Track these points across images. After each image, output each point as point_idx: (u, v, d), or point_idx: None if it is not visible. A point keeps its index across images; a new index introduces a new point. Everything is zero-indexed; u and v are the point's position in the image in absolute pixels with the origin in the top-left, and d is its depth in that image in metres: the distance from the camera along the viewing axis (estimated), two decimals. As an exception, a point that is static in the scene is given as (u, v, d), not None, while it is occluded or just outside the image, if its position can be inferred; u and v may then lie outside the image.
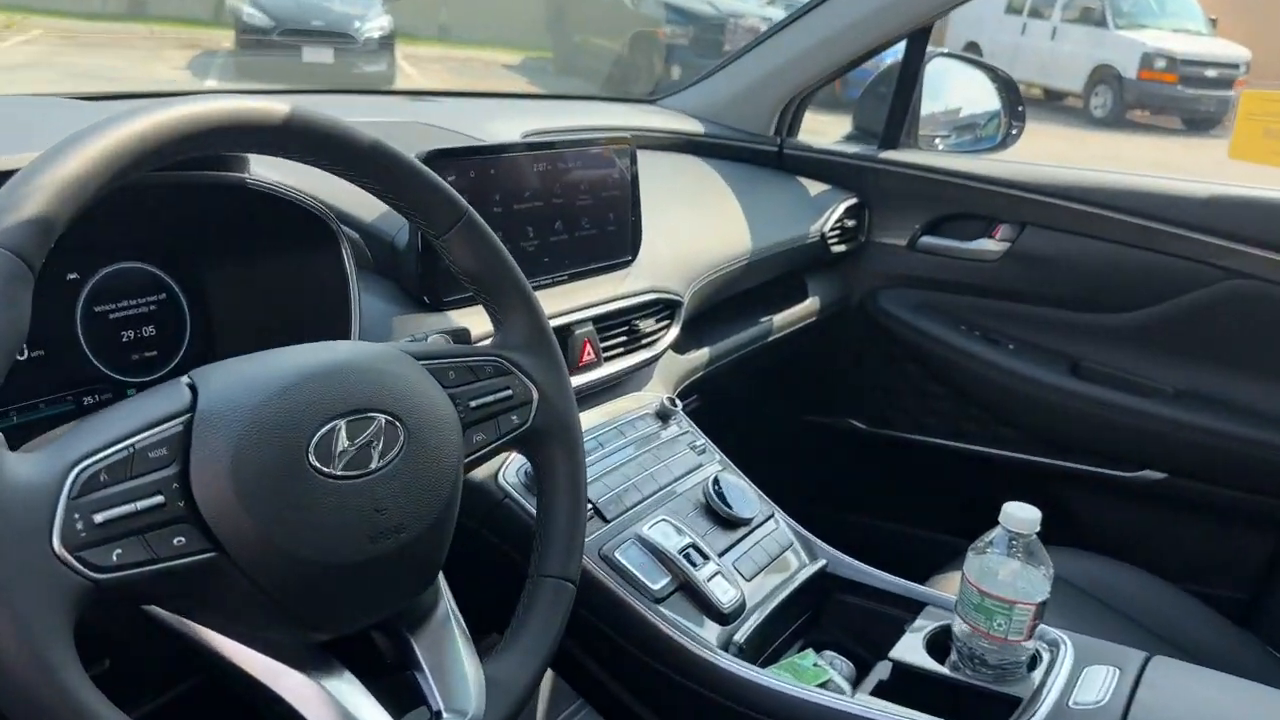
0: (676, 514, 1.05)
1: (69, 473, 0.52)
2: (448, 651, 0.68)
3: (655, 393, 1.23)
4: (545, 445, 0.79)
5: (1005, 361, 1.66)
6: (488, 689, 0.68)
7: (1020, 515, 0.90)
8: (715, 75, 1.81)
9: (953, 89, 1.88)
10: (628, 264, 1.21)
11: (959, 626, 0.93)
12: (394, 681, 0.66)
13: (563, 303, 1.09)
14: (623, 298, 1.17)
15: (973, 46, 11.09)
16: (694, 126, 1.71)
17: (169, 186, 0.80)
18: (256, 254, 0.91)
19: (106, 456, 0.53)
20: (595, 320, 1.14)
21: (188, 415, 0.57)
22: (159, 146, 0.58)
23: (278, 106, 0.64)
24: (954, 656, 0.94)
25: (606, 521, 1.01)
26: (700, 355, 1.40)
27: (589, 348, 1.12)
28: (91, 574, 0.51)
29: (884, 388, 1.79)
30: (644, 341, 1.21)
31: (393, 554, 0.63)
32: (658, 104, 1.82)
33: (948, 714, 0.86)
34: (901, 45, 1.65)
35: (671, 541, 1.00)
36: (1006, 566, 0.90)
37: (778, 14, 9.62)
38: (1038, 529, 0.90)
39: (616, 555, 0.98)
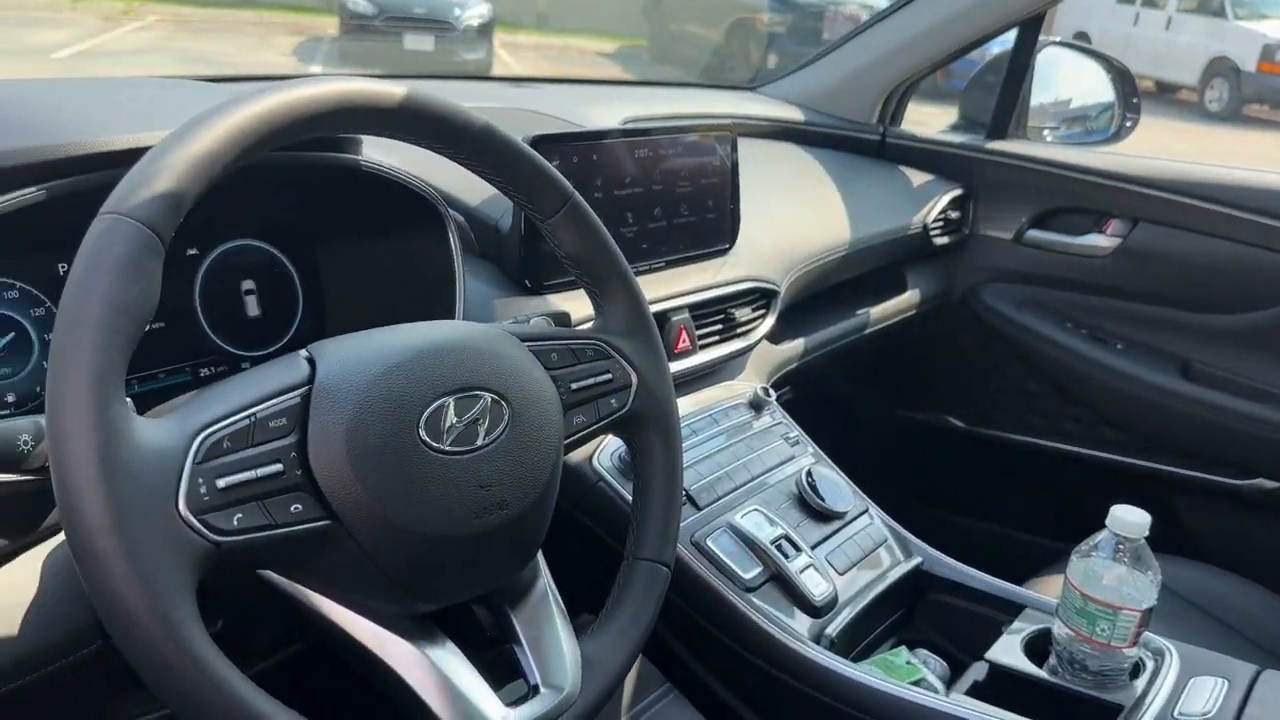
0: (769, 504, 1.04)
1: (194, 439, 0.54)
2: (546, 628, 0.69)
3: (749, 382, 1.23)
4: (643, 430, 0.79)
5: (1113, 361, 1.60)
6: (583, 667, 0.69)
7: (1129, 519, 0.87)
8: (817, 63, 1.78)
9: (1064, 79, 1.82)
10: (725, 252, 1.20)
11: (1060, 630, 0.91)
12: (493, 655, 0.67)
13: (660, 289, 1.09)
14: (719, 286, 1.17)
15: (1082, 36, 10.71)
16: (794, 114, 1.69)
17: (286, 167, 0.82)
18: (366, 234, 0.93)
19: (229, 424, 0.55)
20: (692, 308, 1.13)
21: (306, 388, 0.59)
22: (282, 126, 0.59)
23: (394, 89, 0.66)
24: (1053, 661, 0.92)
25: (699, 509, 1.01)
26: (795, 346, 1.39)
27: (685, 335, 1.12)
28: (214, 536, 0.53)
29: (984, 385, 1.75)
30: (739, 330, 1.20)
31: (496, 529, 0.64)
32: (757, 91, 1.81)
33: (1045, 719, 0.84)
34: (1011, 34, 1.61)
35: (764, 532, 1.00)
36: (1112, 571, 0.88)
37: (879, 2, 9.47)
38: (1146, 533, 0.87)
39: (708, 543, 0.98)
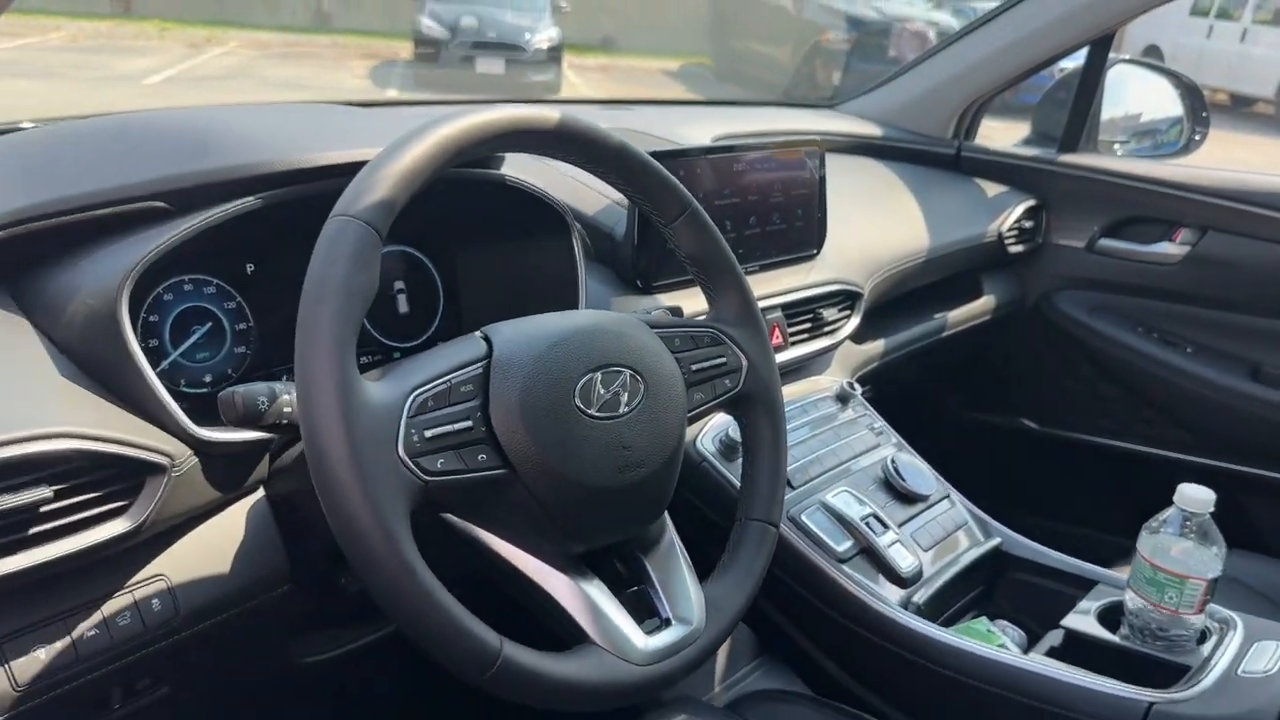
0: (857, 486, 1.14)
1: (407, 397, 0.66)
2: (674, 572, 0.80)
3: (834, 378, 1.33)
4: (752, 407, 0.89)
5: (1183, 364, 1.67)
6: (707, 607, 0.79)
7: (1195, 495, 0.95)
8: (893, 82, 1.88)
9: (1134, 95, 1.89)
10: (814, 257, 1.31)
11: (1131, 600, 0.99)
12: (631, 595, 0.78)
13: (755, 290, 1.19)
14: (809, 287, 1.27)
15: (1153, 50, 10.59)
16: (873, 130, 1.79)
17: (445, 181, 0.95)
18: (500, 241, 1.05)
19: (431, 387, 0.68)
20: (784, 307, 1.24)
21: (486, 360, 0.71)
22: (470, 145, 0.72)
23: (550, 113, 0.78)
24: (1124, 630, 1.00)
25: (793, 489, 1.11)
26: (876, 347, 1.48)
27: (778, 332, 1.23)
28: (423, 476, 0.65)
29: (1057, 388, 1.82)
30: (826, 329, 1.31)
31: (635, 484, 0.75)
32: (837, 109, 1.91)
33: (1118, 678, 0.92)
34: (1082, 52, 1.69)
35: (853, 510, 1.10)
36: (1179, 544, 0.96)
37: (944, 18, 9.46)
38: (1211, 509, 0.95)
39: (803, 518, 1.08)
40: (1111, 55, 1.71)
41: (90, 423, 0.71)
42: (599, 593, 0.74)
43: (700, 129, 1.53)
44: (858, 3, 9.59)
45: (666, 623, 0.77)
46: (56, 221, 0.79)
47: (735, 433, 1.11)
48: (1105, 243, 1.72)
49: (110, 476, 0.71)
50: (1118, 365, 1.73)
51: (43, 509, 0.68)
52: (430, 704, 1.25)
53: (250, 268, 0.91)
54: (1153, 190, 1.66)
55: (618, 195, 1.14)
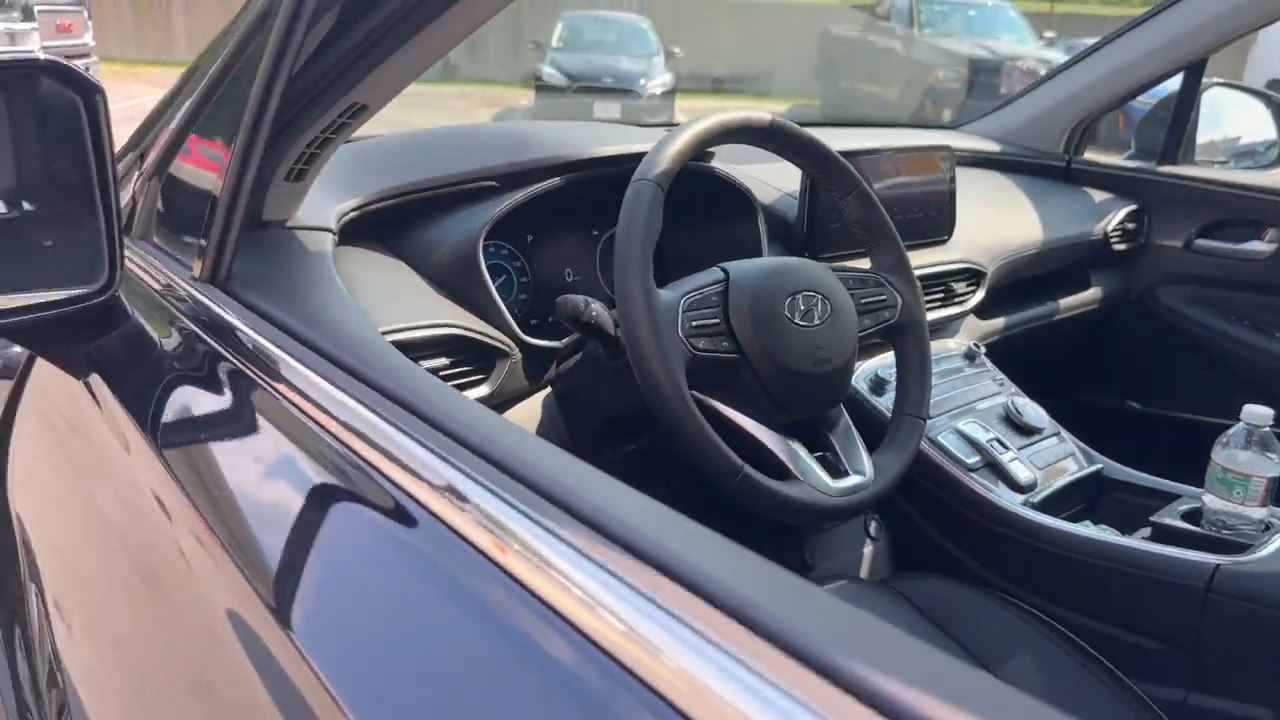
0: (981, 418, 1.42)
1: (680, 299, 0.99)
2: (850, 443, 1.10)
3: (961, 341, 1.61)
4: (904, 335, 1.19)
5: (1272, 348, 1.89)
6: (874, 469, 1.09)
7: (1258, 412, 1.20)
8: (1009, 105, 2.16)
9: (1228, 115, 2.13)
10: (945, 241, 1.60)
11: (1207, 500, 1.24)
12: (818, 456, 1.09)
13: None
14: (942, 264, 1.56)
15: (1277, 85, 10.45)
16: (991, 146, 2.07)
17: None
18: (699, 219, 1.38)
19: (694, 295, 1.00)
20: (920, 279, 1.53)
21: (725, 281, 1.03)
22: (717, 136, 1.05)
23: (764, 115, 1.11)
24: (1203, 524, 1.26)
25: (929, 418, 1.39)
26: (996, 323, 1.76)
27: (916, 299, 1.52)
28: (692, 350, 0.97)
29: (1159, 371, 2.05)
30: (956, 299, 1.59)
31: (825, 374, 1.06)
32: (957, 130, 2.19)
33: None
34: (1179, 76, 1.94)
35: (979, 434, 1.38)
36: (1245, 453, 1.21)
37: (1055, 55, 9.56)
38: (1271, 423, 1.20)
39: (939, 438, 1.36)
40: (1205, 79, 1.96)
41: (463, 321, 1.06)
42: (799, 448, 1.05)
43: (837, 145, 1.84)
44: (967, 42, 9.78)
45: (845, 473, 1.08)
46: (421, 195, 1.15)
47: (883, 373, 1.41)
48: (1201, 242, 1.96)
49: (475, 356, 1.06)
50: (1215, 350, 1.96)
51: (440, 373, 1.02)
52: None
53: (529, 238, 1.25)
54: (1243, 195, 1.90)
55: (789, 188, 1.46)
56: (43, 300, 0.83)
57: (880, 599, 1.14)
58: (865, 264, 1.22)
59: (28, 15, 8.27)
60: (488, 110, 11.23)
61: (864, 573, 1.46)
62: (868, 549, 1.48)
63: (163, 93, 1.14)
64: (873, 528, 1.47)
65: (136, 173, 1.10)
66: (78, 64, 0.82)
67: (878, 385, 1.41)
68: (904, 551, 1.49)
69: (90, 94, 0.72)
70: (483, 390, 1.07)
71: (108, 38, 10.27)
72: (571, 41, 10.45)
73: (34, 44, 8.12)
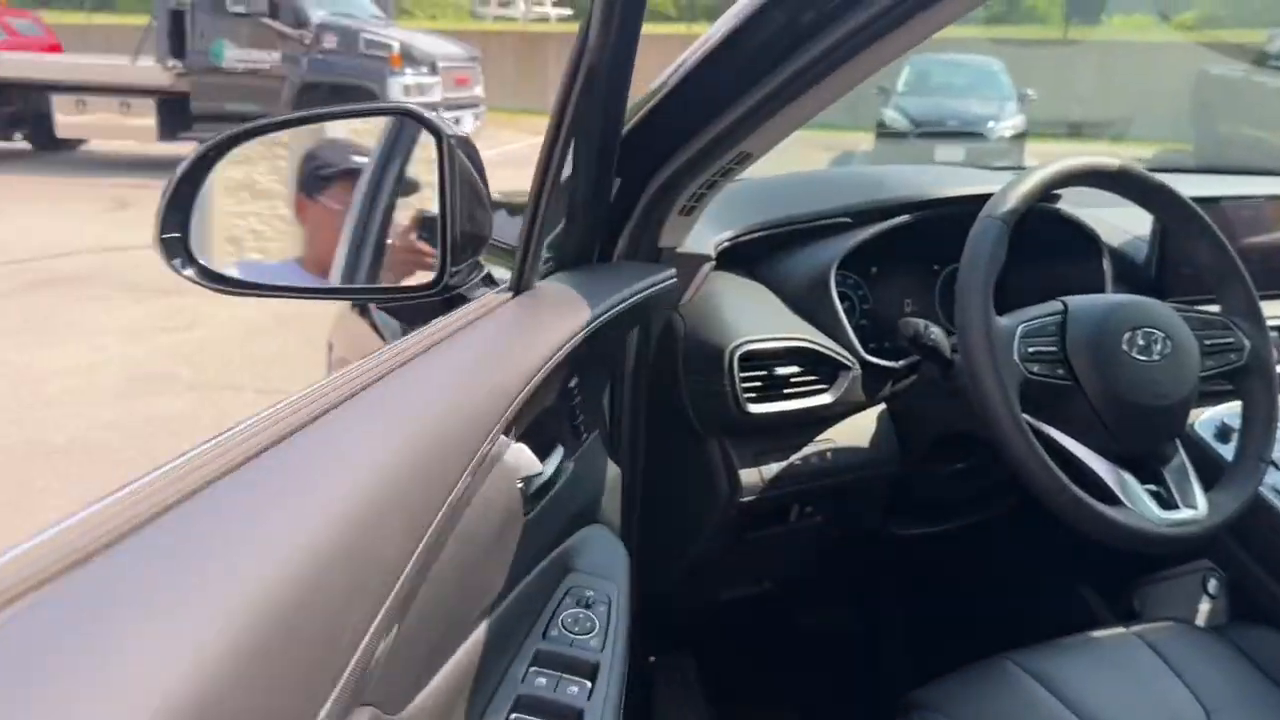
0: None
1: (1019, 326, 1.08)
2: (1184, 479, 1.13)
3: None
4: (1252, 378, 1.19)
5: None
6: (1209, 506, 1.11)
7: None
8: None
9: None
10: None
11: None
12: (1149, 489, 1.12)
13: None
14: None
15: None
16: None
17: None
18: (1046, 258, 1.44)
19: (1032, 322, 1.09)
20: (1274, 329, 1.48)
21: (1063, 313, 1.11)
22: (1060, 180, 1.13)
23: (1112, 161, 1.17)
24: None
25: (1276, 467, 1.35)
26: None
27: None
28: (1026, 373, 1.06)
29: None
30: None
31: (1161, 409, 1.10)
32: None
33: None
34: None
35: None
36: None
37: None
38: None
39: None
40: None
41: (813, 336, 1.22)
42: (1129, 477, 1.10)
43: (1206, 189, 1.80)
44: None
45: (1176, 507, 1.11)
46: (785, 229, 1.33)
47: (1230, 420, 1.39)
48: None
49: (822, 367, 1.21)
50: None
51: (791, 379, 1.19)
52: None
53: (874, 270, 1.39)
54: None
55: (1138, 231, 1.49)
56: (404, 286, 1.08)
57: (1212, 648, 1.15)
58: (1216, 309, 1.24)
59: (433, 70, 9.57)
60: (824, 155, 11.36)
61: (1199, 623, 1.44)
62: (1204, 605, 1.46)
63: (531, 139, 1.40)
64: (1212, 585, 1.44)
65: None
66: (469, 113, 1.02)
67: (1223, 433, 1.39)
68: (1238, 601, 1.44)
69: (440, 136, 0.84)
70: (826, 399, 1.21)
71: (493, 88, 11.61)
72: (917, 85, 10.37)
73: (436, 96, 9.35)
